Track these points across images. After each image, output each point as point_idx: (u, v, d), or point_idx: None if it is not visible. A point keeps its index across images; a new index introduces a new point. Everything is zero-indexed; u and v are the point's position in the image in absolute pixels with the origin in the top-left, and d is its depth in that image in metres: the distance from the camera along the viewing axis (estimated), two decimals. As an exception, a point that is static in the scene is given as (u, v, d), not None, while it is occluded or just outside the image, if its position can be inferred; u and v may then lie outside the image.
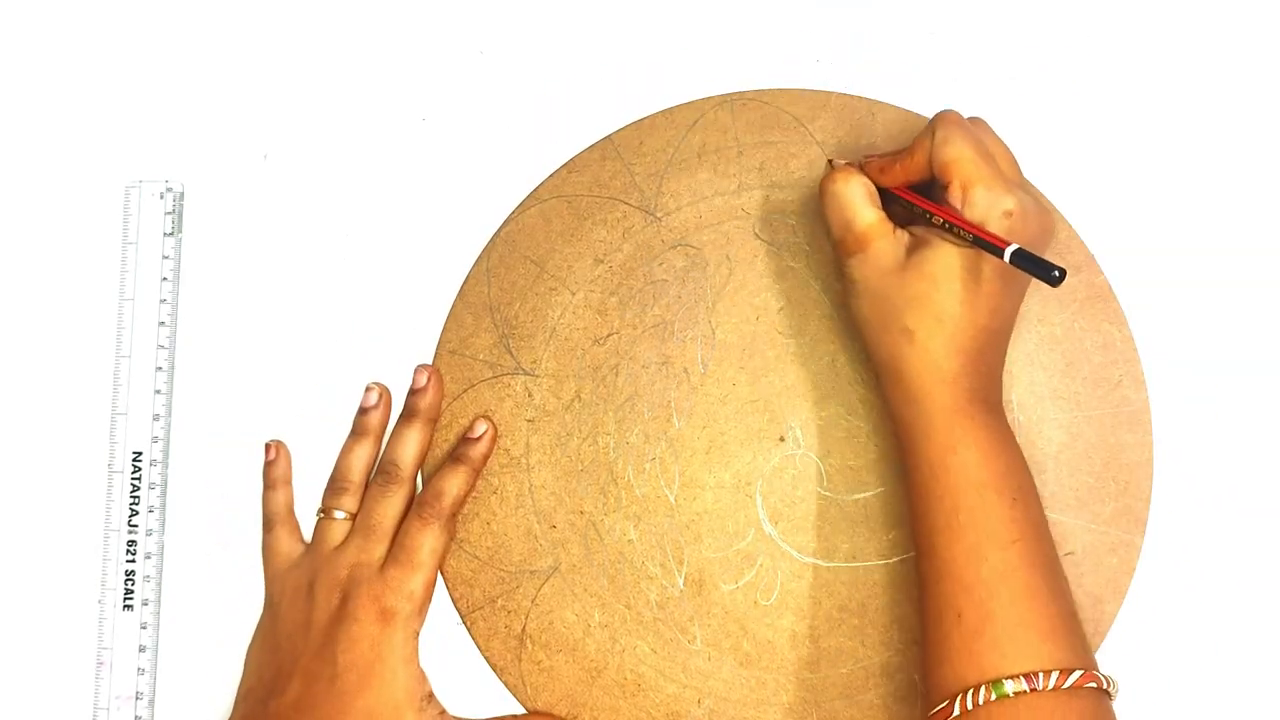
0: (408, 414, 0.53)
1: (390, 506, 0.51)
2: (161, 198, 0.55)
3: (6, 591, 0.54)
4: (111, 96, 0.56)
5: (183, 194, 0.56)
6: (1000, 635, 0.41)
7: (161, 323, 0.55)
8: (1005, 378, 0.48)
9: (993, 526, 0.42)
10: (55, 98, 0.56)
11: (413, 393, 0.53)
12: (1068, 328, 0.50)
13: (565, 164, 0.53)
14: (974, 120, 0.46)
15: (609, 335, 0.52)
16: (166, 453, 0.54)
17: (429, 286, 0.54)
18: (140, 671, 0.53)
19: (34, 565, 0.54)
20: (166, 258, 0.55)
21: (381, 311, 0.54)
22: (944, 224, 0.44)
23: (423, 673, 0.50)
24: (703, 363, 0.51)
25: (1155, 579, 0.49)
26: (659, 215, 0.53)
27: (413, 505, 0.51)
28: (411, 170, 0.55)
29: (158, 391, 0.54)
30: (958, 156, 0.44)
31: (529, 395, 0.52)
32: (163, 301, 0.55)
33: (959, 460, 0.43)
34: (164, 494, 0.54)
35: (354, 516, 0.52)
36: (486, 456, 0.52)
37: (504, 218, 0.54)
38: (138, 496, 0.54)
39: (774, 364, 0.51)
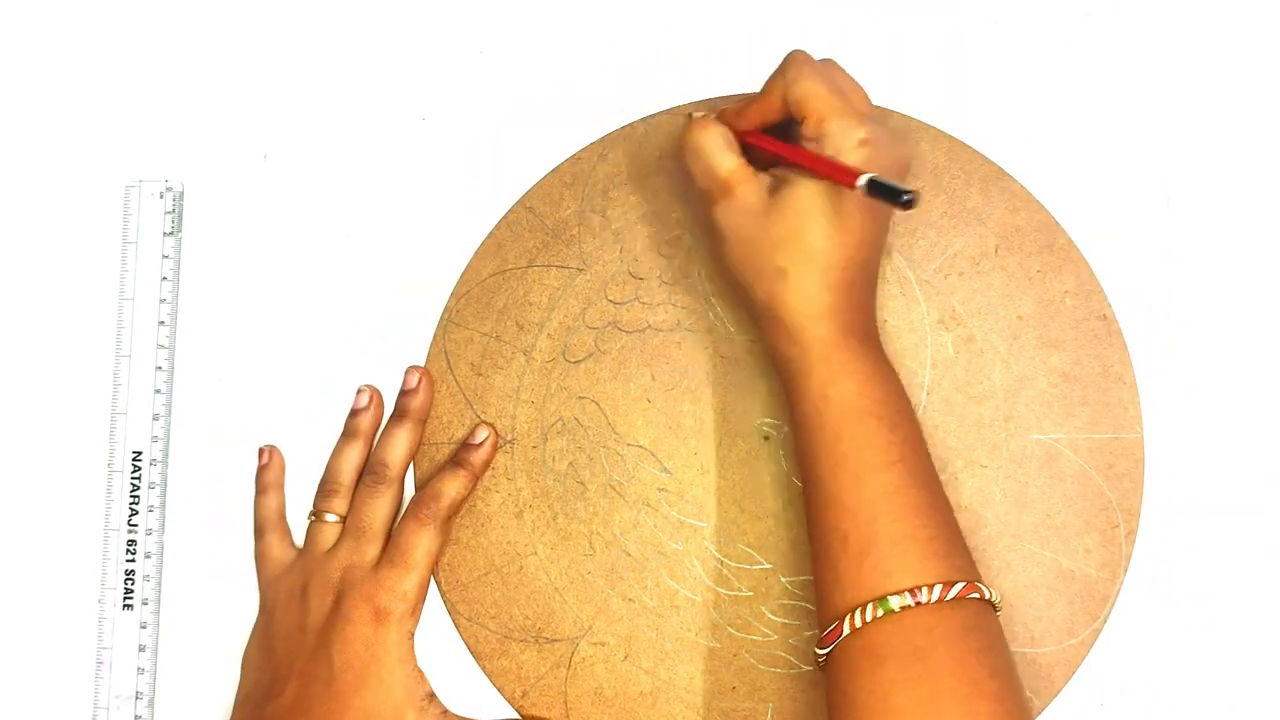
0: (398, 415, 0.53)
1: (380, 507, 0.51)
2: (161, 197, 0.55)
3: (6, 591, 0.54)
4: (111, 96, 0.56)
5: (182, 194, 0.56)
6: (884, 555, 0.42)
7: (161, 322, 0.55)
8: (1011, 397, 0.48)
9: (873, 451, 0.43)
10: (55, 98, 0.56)
11: (403, 393, 0.53)
12: (1075, 359, 0.50)
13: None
14: (824, 61, 0.47)
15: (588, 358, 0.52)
16: (166, 452, 0.54)
17: (428, 286, 0.54)
18: (140, 671, 0.53)
19: (34, 565, 0.54)
20: (166, 257, 0.55)
21: (381, 311, 0.54)
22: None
23: (421, 672, 0.50)
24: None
25: (1144, 593, 0.49)
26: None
27: (409, 506, 0.51)
28: (411, 170, 0.55)
29: (157, 391, 0.54)
30: (809, 92, 0.44)
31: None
32: (162, 301, 0.55)
33: (838, 391, 0.44)
34: (164, 493, 0.54)
35: (345, 519, 0.52)
36: (487, 463, 0.52)
37: (502, 218, 0.54)
38: (137, 496, 0.54)
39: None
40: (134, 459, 0.54)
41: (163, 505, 0.54)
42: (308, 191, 0.55)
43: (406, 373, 0.53)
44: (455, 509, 0.51)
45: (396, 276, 0.54)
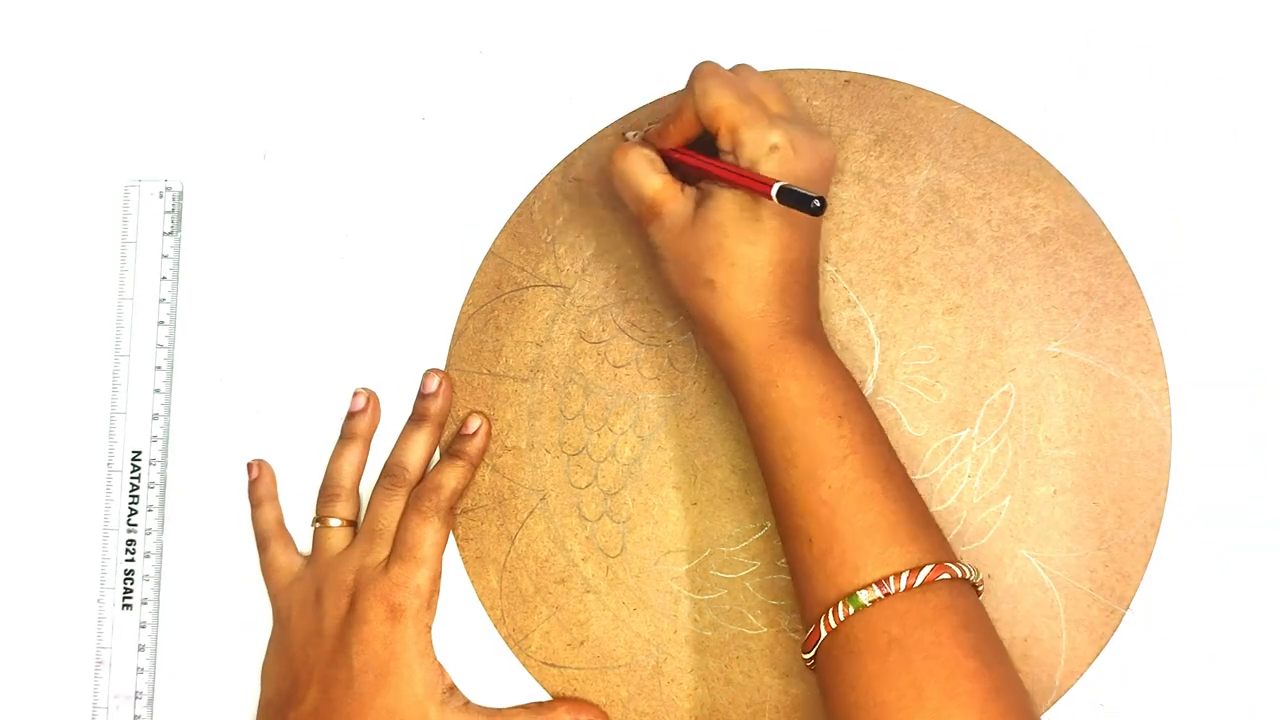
0: (417, 418, 0.53)
1: (398, 509, 0.51)
2: (160, 197, 0.55)
3: (6, 591, 0.54)
4: (111, 96, 0.56)
5: (182, 193, 0.55)
6: (848, 549, 0.42)
7: (161, 322, 0.55)
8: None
9: (824, 448, 0.43)
10: (55, 97, 0.56)
11: (423, 397, 0.53)
12: (1099, 364, 0.50)
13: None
14: (736, 68, 0.47)
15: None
16: (166, 452, 0.54)
17: (428, 286, 0.54)
18: (139, 671, 0.53)
19: (33, 564, 0.54)
20: (166, 257, 0.55)
21: (381, 311, 0.54)
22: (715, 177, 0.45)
23: (440, 666, 0.50)
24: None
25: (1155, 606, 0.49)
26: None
27: (410, 500, 0.51)
28: (411, 170, 0.55)
29: (157, 391, 0.54)
30: (718, 104, 0.45)
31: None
32: (162, 301, 0.55)
33: (779, 393, 0.44)
34: (163, 493, 0.54)
35: (349, 522, 0.52)
36: (483, 451, 0.52)
37: (503, 217, 0.54)
38: (137, 496, 0.54)
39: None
40: (133, 459, 0.54)
41: (162, 505, 0.54)
42: (307, 191, 0.55)
43: (426, 376, 0.53)
44: (456, 499, 0.51)
45: (396, 276, 0.54)
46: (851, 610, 0.41)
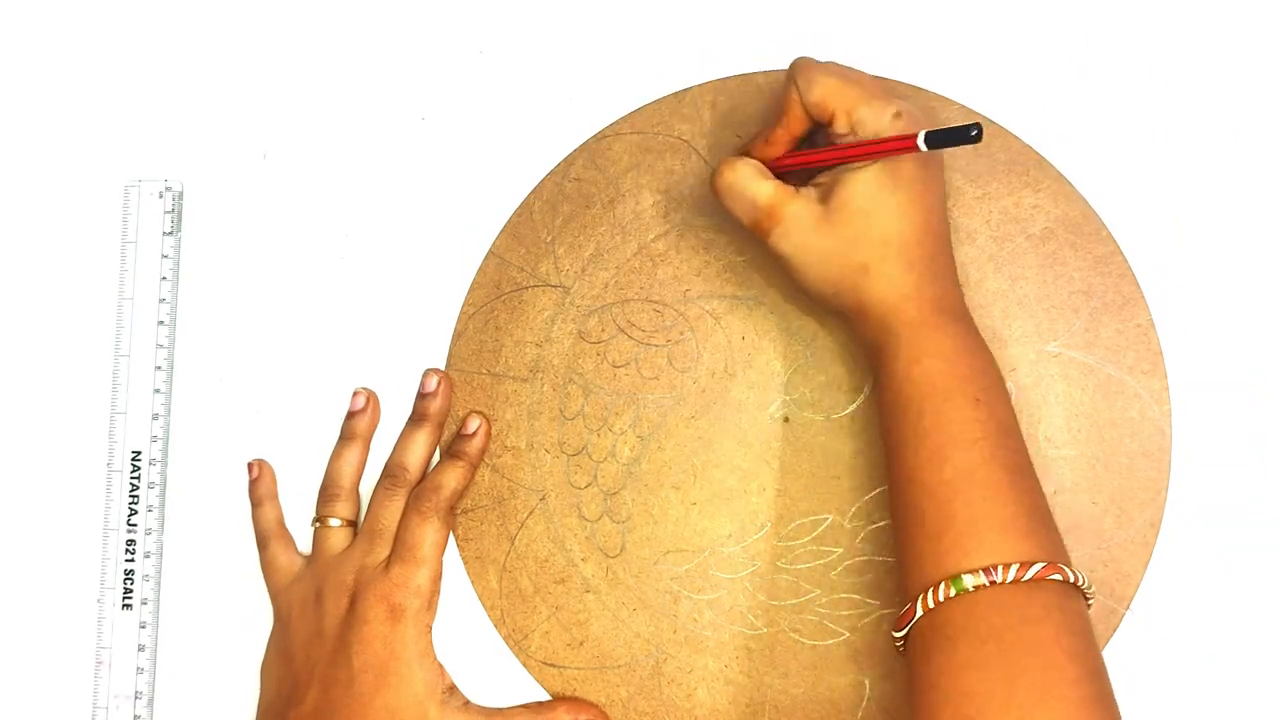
0: (417, 417, 0.53)
1: (397, 509, 0.51)
2: (160, 197, 0.55)
3: (6, 591, 0.54)
4: (111, 96, 0.56)
5: (182, 193, 0.56)
6: (961, 534, 0.41)
7: (161, 322, 0.55)
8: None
9: (956, 429, 0.42)
10: (55, 97, 0.56)
11: (422, 396, 0.53)
12: (1099, 363, 0.50)
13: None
14: (827, 61, 0.47)
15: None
16: (165, 452, 0.54)
17: (428, 285, 0.54)
18: (139, 671, 0.53)
19: (33, 564, 0.54)
20: (165, 257, 0.55)
21: (380, 310, 0.54)
22: (845, 162, 0.45)
23: (441, 666, 0.50)
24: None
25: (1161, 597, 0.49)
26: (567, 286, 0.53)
27: (410, 501, 0.51)
28: (411, 170, 0.55)
29: (157, 391, 0.54)
30: (827, 91, 0.45)
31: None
32: (162, 301, 0.55)
33: (923, 370, 0.44)
34: (163, 493, 0.54)
35: (349, 522, 0.52)
36: (483, 451, 0.52)
37: (503, 217, 0.54)
38: (137, 496, 0.54)
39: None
40: (133, 459, 0.54)
41: (162, 505, 0.54)
42: (307, 191, 0.55)
43: (425, 375, 0.53)
44: (456, 499, 0.51)
45: (396, 276, 0.54)
46: (953, 593, 0.40)
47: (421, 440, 0.52)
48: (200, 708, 0.53)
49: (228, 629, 0.53)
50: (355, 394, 0.53)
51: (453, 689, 0.50)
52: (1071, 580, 0.40)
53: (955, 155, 0.51)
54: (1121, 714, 0.39)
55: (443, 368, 0.53)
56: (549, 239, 0.53)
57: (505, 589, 0.52)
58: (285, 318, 0.54)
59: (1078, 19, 0.52)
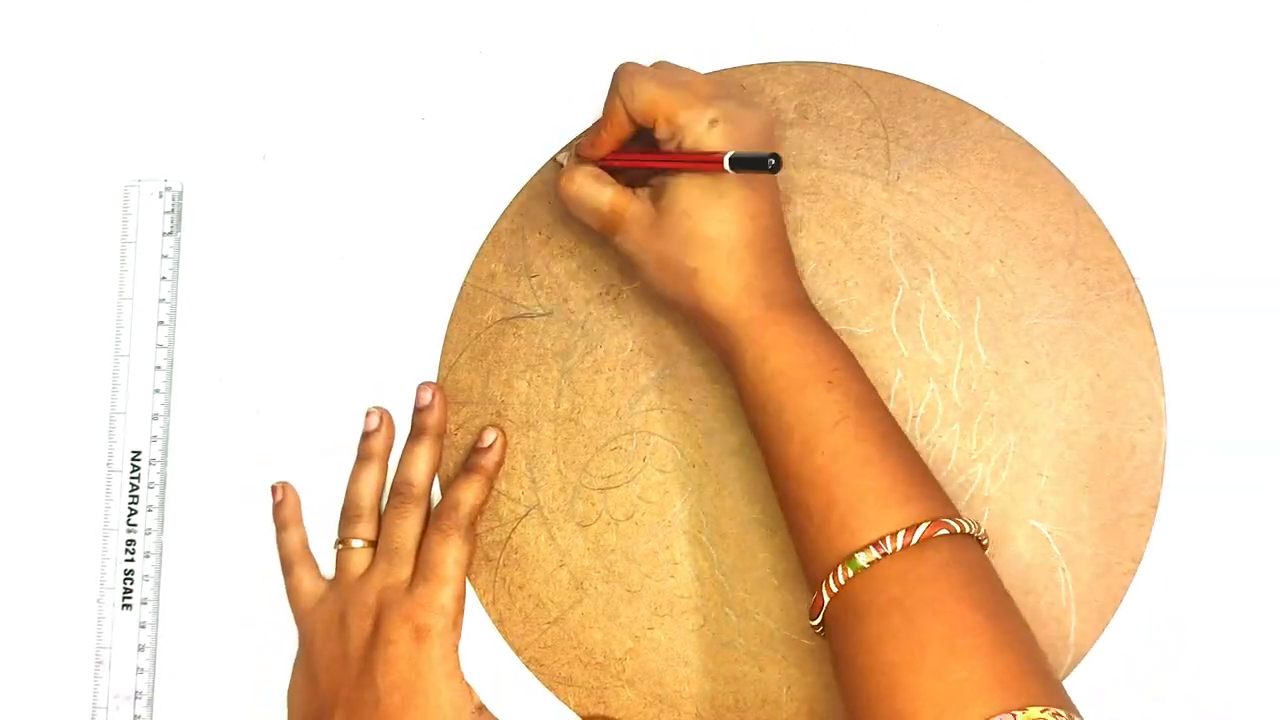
0: (416, 433, 0.52)
1: (410, 527, 0.51)
2: (160, 197, 0.55)
3: (6, 591, 0.54)
4: (111, 96, 0.56)
5: (181, 193, 0.56)
6: (846, 514, 0.41)
7: (160, 322, 0.55)
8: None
9: (816, 416, 0.43)
10: (55, 97, 0.56)
11: (418, 411, 0.53)
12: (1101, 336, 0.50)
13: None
14: (655, 64, 0.48)
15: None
16: (165, 452, 0.54)
17: (428, 285, 0.54)
18: (139, 671, 0.53)
19: (33, 564, 0.54)
20: (165, 257, 0.55)
21: (380, 310, 0.54)
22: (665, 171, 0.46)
23: (469, 686, 0.49)
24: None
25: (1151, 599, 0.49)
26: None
27: (431, 520, 0.51)
28: (411, 170, 0.55)
29: (156, 391, 0.54)
30: (648, 98, 0.45)
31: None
32: (161, 301, 0.55)
33: (771, 366, 0.44)
34: (163, 493, 0.54)
35: (371, 543, 0.51)
36: (499, 464, 0.52)
37: (501, 217, 0.54)
38: (136, 496, 0.54)
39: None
40: (133, 459, 0.54)
41: (162, 505, 0.54)
42: (307, 191, 0.55)
43: (419, 390, 0.53)
44: (475, 514, 0.51)
45: (396, 276, 0.54)
46: (851, 573, 0.41)
47: (423, 455, 0.52)
48: (200, 708, 0.53)
49: (228, 629, 0.53)
50: (368, 414, 0.53)
51: (482, 708, 0.50)
52: (960, 530, 0.41)
53: (956, 150, 0.51)
54: (1036, 644, 0.40)
55: (442, 369, 0.53)
56: (533, 250, 0.53)
57: (516, 610, 0.52)
58: (285, 318, 0.54)
59: (1080, 19, 0.52)
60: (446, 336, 0.54)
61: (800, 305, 0.46)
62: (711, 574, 0.51)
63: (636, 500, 0.51)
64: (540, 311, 0.53)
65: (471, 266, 0.54)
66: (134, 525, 0.54)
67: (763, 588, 0.50)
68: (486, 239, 0.54)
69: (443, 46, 0.55)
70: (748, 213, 0.45)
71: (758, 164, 0.42)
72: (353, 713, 0.48)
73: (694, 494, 0.51)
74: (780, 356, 0.44)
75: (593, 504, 0.52)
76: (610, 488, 0.52)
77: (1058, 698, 0.38)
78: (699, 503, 0.51)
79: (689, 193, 0.45)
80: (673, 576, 0.51)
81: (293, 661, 0.52)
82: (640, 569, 0.51)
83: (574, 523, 0.52)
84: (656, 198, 0.46)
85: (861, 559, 0.41)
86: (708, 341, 0.48)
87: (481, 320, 0.53)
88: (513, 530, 0.52)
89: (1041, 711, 0.36)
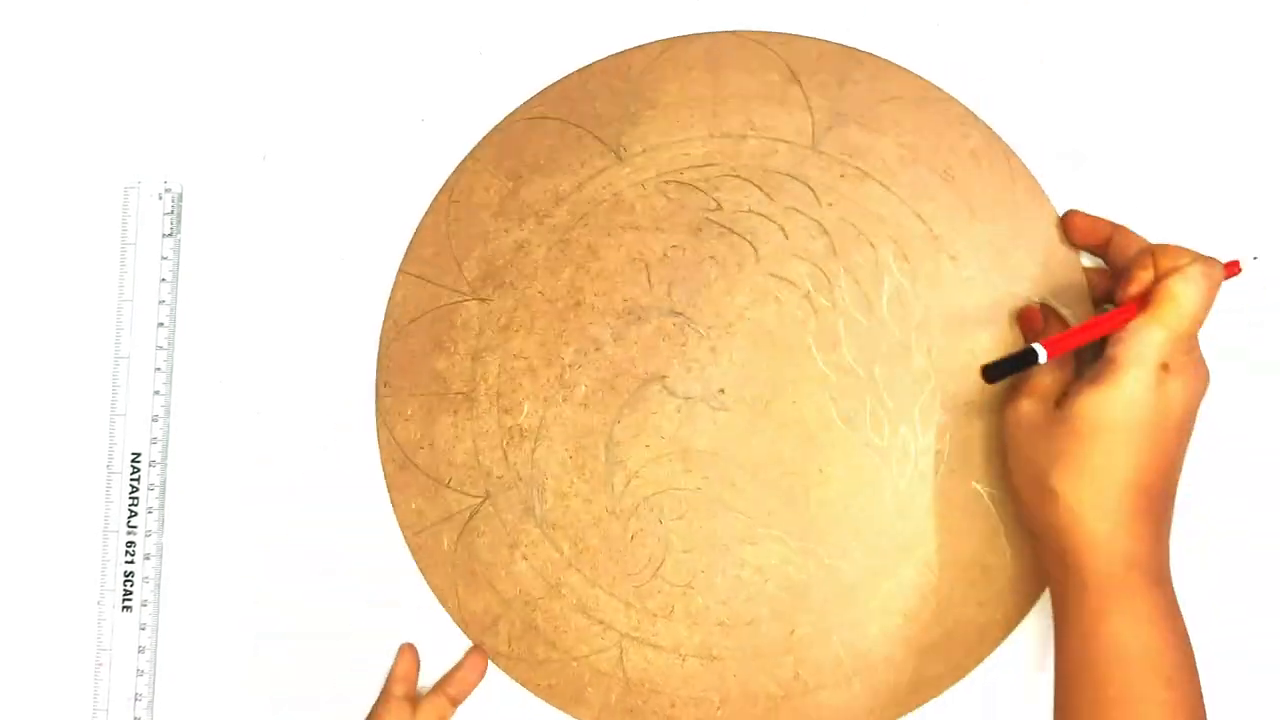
0: (385, 697, 0.51)
1: None
2: (160, 198, 0.55)
3: (6, 592, 0.54)
4: (110, 96, 0.56)
5: (181, 195, 0.55)
6: None
7: (160, 324, 0.55)
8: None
9: (1144, 709, 0.40)
10: (54, 98, 0.56)
11: (394, 680, 0.51)
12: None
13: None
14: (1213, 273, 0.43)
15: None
16: (165, 454, 0.54)
17: (428, 288, 0.54)
18: (139, 673, 0.53)
19: (33, 566, 0.54)
20: (165, 258, 0.55)
21: (380, 311, 0.54)
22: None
23: None
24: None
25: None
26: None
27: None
28: (411, 170, 0.55)
29: (156, 392, 0.54)
30: (1195, 315, 0.41)
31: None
32: (161, 302, 0.55)
33: (1108, 630, 0.40)
34: (163, 495, 0.54)
35: None
36: (473, 687, 0.51)
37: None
38: (136, 497, 0.54)
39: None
40: (133, 460, 0.54)
41: (162, 507, 0.54)
42: (307, 192, 0.55)
43: (401, 651, 0.52)
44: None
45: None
46: None
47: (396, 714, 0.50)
48: (200, 709, 0.53)
49: (227, 630, 0.53)
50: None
51: None
52: None
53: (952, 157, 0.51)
54: None
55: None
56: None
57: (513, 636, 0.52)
58: (285, 318, 0.54)
59: (1078, 19, 0.52)
60: (447, 337, 0.54)
61: (1160, 580, 0.42)
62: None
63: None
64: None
65: (472, 267, 0.54)
66: (134, 527, 0.53)
67: None
68: (487, 239, 0.54)
69: (443, 46, 0.55)
70: (1138, 462, 0.41)
71: (1020, 362, 0.41)
72: None
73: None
74: (1121, 624, 0.40)
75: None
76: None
77: None
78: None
79: (1089, 409, 0.41)
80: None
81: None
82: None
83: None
84: (1062, 399, 0.43)
85: None
86: (1043, 567, 0.44)
87: (482, 321, 0.53)
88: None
89: None
